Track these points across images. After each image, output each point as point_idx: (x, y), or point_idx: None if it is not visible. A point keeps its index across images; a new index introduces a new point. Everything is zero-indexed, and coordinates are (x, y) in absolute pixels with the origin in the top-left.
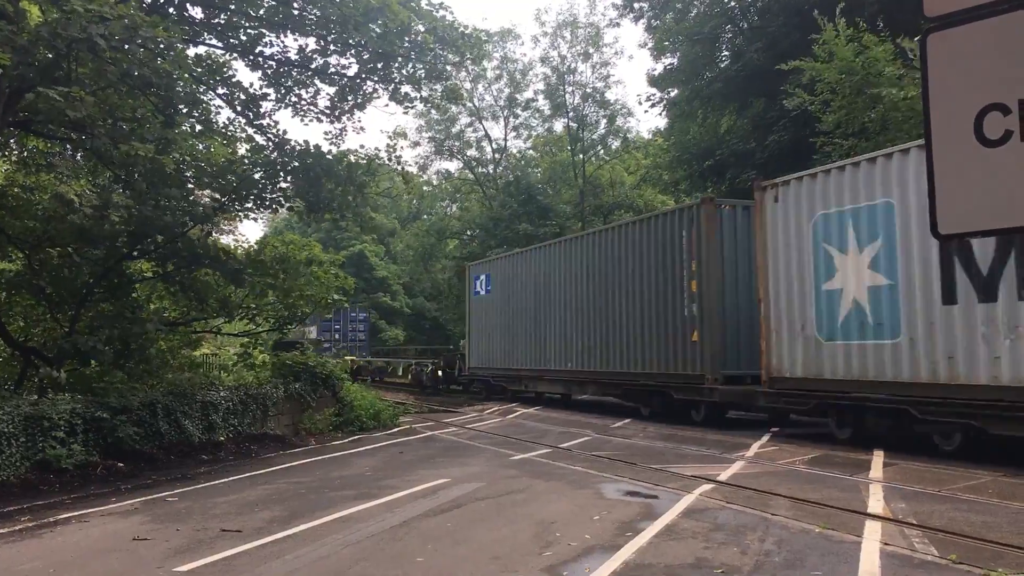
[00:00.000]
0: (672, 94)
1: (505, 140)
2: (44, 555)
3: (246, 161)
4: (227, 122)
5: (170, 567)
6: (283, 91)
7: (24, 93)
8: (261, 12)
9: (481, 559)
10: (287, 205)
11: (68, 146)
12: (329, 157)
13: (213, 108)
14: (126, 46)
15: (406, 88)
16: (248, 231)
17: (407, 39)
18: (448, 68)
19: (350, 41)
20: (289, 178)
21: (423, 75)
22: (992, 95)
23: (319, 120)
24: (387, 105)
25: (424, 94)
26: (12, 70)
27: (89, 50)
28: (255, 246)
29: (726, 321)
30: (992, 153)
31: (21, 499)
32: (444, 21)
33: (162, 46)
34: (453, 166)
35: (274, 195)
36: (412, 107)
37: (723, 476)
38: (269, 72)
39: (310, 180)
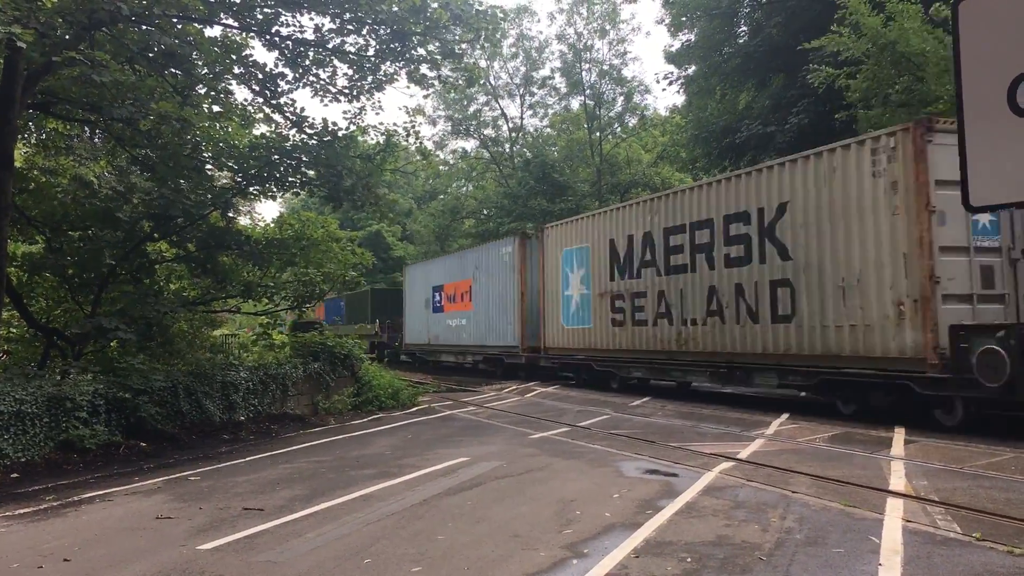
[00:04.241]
0: (690, 71)
1: (521, 119)
2: (69, 533)
3: (271, 147)
4: (245, 102)
5: (193, 545)
6: (300, 71)
7: (43, 75)
8: None
9: (501, 537)
10: (308, 189)
11: (86, 128)
12: (344, 133)
13: (231, 88)
14: (147, 12)
15: (424, 68)
16: (264, 209)
17: (422, 16)
18: (463, 47)
19: (366, 20)
20: (311, 170)
21: (438, 55)
22: None
23: (337, 100)
24: (408, 87)
25: (444, 72)
26: (32, 49)
27: (111, 20)
28: (272, 225)
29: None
30: None
31: (46, 479)
32: None
33: (180, 14)
34: (469, 145)
35: (295, 179)
36: (432, 86)
37: (743, 454)
38: (286, 52)
39: (330, 172)
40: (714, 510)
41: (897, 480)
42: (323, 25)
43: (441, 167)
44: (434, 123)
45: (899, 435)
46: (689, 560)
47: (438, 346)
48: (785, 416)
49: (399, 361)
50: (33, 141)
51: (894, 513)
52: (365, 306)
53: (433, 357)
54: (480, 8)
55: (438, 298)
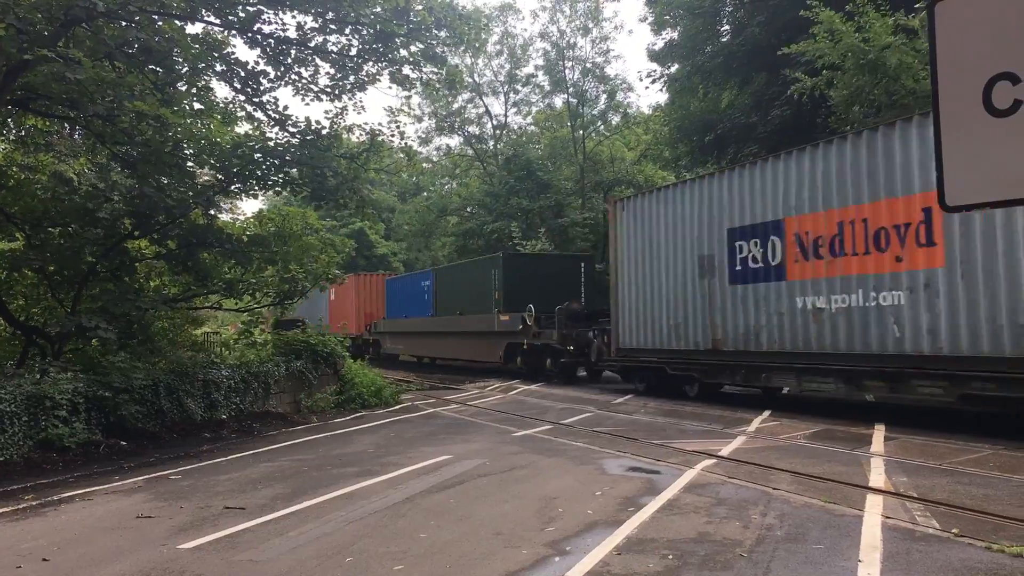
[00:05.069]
0: (672, 69)
1: (505, 116)
2: (48, 533)
3: (254, 145)
4: (226, 100)
5: (174, 544)
6: (282, 69)
7: (21, 72)
8: None
9: (484, 535)
10: (290, 188)
11: (66, 125)
12: (327, 132)
13: (212, 85)
14: (123, 9)
15: (407, 70)
16: (246, 207)
17: (406, 18)
18: (445, 49)
19: (349, 20)
20: (294, 169)
21: (421, 57)
22: (1001, 64)
23: (319, 99)
24: (390, 87)
25: (426, 74)
26: (10, 44)
27: (87, 16)
28: (252, 220)
29: None
30: (1001, 123)
31: (24, 478)
32: (442, 1)
33: (160, 11)
34: (454, 142)
35: (277, 177)
36: (414, 87)
37: (724, 451)
38: (268, 50)
39: (314, 172)
40: (695, 507)
41: (877, 477)
42: (305, 23)
43: (425, 164)
44: (419, 119)
45: (879, 432)
46: (671, 557)
47: (757, 355)
48: (767, 413)
49: (584, 382)
50: (12, 138)
51: (874, 509)
52: (486, 285)
53: (737, 377)
54: (463, 13)
55: (758, 252)
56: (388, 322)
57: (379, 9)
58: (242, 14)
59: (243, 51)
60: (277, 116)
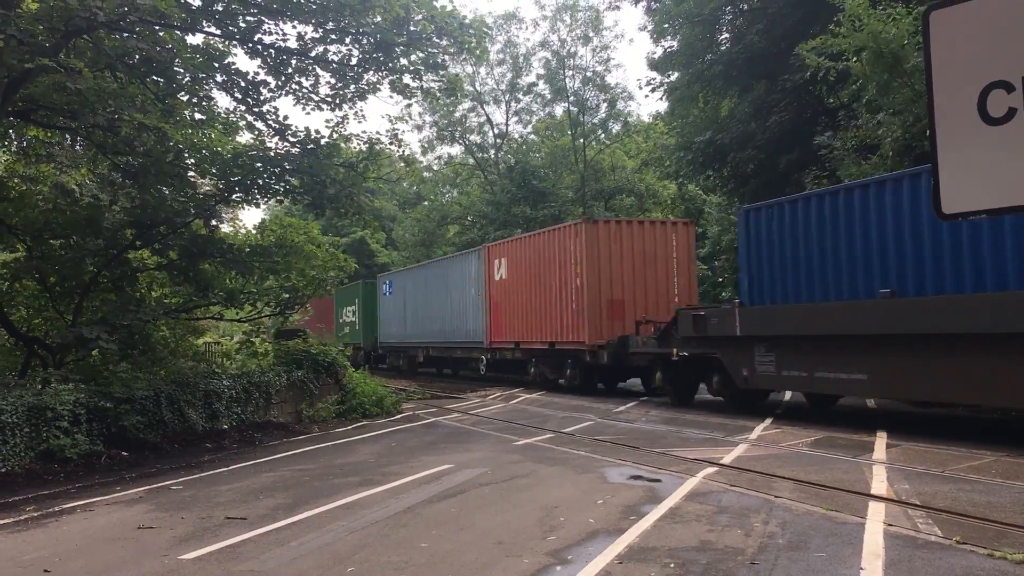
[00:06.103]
0: (672, 78)
1: (507, 125)
2: (49, 544)
3: (255, 155)
4: (228, 110)
5: (175, 555)
6: (283, 79)
7: (22, 83)
8: None
9: (485, 544)
10: (291, 197)
11: (67, 136)
12: (327, 141)
13: (213, 95)
14: (124, 20)
15: (407, 79)
16: (246, 215)
17: (407, 28)
18: (446, 58)
19: (349, 30)
20: (294, 178)
21: (421, 66)
22: (996, 73)
23: (320, 108)
24: (391, 96)
25: (425, 85)
26: (11, 56)
27: (88, 27)
28: (254, 231)
29: None
30: (996, 131)
31: (26, 489)
32: (443, 10)
33: (161, 22)
34: (455, 151)
35: (278, 186)
36: (414, 96)
37: (726, 459)
38: (269, 60)
39: (314, 181)
40: (697, 515)
41: (879, 484)
42: (306, 34)
43: (425, 173)
44: (420, 128)
45: (881, 439)
46: (672, 566)
47: None
48: (768, 421)
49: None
50: (13, 149)
51: (876, 517)
52: None
53: None
54: (465, 22)
55: None
56: (769, 313)
57: (379, 19)
58: (243, 24)
59: (244, 61)
60: (278, 126)
